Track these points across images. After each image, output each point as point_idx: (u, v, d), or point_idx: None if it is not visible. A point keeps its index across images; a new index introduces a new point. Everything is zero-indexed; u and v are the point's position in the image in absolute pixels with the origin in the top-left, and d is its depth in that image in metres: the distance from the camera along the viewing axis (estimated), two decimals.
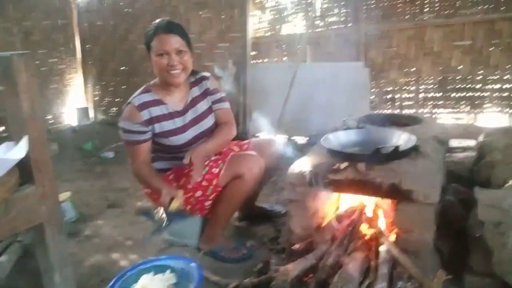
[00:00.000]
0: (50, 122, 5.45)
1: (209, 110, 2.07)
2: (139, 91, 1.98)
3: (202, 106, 2.05)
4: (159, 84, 1.97)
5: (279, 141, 2.38)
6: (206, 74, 2.11)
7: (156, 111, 1.93)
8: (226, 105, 2.11)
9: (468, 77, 3.57)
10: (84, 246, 2.26)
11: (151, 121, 1.92)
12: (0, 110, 1.54)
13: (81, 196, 2.94)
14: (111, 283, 1.58)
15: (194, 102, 2.03)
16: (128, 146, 1.96)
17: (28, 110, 1.48)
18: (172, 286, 1.56)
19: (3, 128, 3.92)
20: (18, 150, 1.41)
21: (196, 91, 2.05)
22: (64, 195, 2.55)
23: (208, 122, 2.06)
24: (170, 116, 1.96)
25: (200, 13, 4.60)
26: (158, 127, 1.94)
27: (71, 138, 4.96)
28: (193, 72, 2.05)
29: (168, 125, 1.95)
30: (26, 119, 1.47)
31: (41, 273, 1.70)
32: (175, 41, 1.82)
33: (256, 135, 4.45)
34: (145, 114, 1.90)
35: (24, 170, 1.52)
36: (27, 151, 1.44)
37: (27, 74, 1.46)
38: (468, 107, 3.65)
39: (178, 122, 1.98)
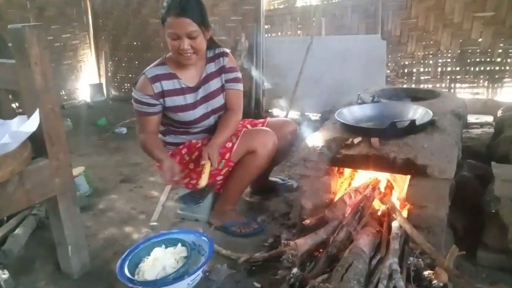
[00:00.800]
0: (64, 98, 5.50)
1: (222, 88, 2.03)
2: (155, 63, 1.96)
3: (215, 83, 2.00)
4: (175, 58, 1.92)
5: (295, 122, 2.35)
6: (225, 50, 2.04)
7: (169, 85, 1.92)
8: (238, 86, 2.04)
9: (488, 50, 3.45)
10: (98, 220, 2.30)
11: (163, 94, 1.91)
12: (14, 84, 1.54)
13: (95, 171, 2.98)
14: (124, 255, 1.60)
15: (207, 78, 1.99)
16: (138, 115, 1.97)
17: (41, 83, 1.47)
18: (183, 258, 1.58)
19: (17, 104, 3.93)
20: (30, 123, 1.40)
21: (211, 67, 2.00)
22: (78, 170, 2.57)
23: (219, 100, 2.02)
24: (182, 91, 1.94)
25: None
26: (169, 101, 1.93)
27: (85, 114, 5.01)
28: (212, 46, 2.00)
29: (179, 100, 1.94)
30: (38, 91, 1.47)
31: (55, 245, 1.74)
32: (186, 24, 1.74)
33: (269, 110, 4.42)
34: (157, 87, 1.89)
35: (38, 144, 1.53)
36: (40, 125, 1.45)
37: (40, 46, 1.45)
38: (487, 82, 3.54)
39: (189, 99, 1.96)
